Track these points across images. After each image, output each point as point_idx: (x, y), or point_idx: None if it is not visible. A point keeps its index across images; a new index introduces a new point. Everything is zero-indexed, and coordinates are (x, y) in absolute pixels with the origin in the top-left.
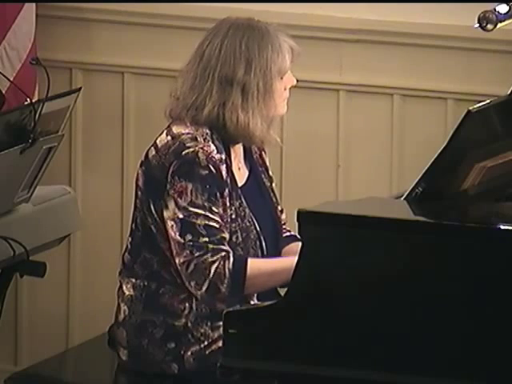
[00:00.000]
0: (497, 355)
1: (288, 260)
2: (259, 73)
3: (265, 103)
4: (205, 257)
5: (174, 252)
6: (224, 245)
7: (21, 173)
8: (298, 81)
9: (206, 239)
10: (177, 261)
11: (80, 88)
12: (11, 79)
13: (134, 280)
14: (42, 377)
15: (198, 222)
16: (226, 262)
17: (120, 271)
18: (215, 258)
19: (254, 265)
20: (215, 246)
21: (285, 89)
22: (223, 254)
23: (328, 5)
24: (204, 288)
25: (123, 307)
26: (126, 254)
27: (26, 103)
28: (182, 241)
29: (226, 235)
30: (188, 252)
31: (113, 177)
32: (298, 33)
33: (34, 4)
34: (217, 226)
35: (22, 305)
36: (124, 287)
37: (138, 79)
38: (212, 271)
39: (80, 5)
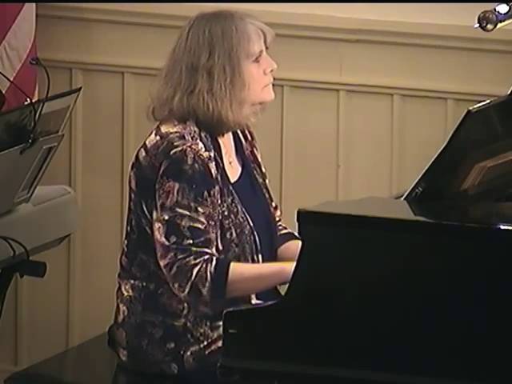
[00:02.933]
0: (497, 355)
1: (275, 264)
2: (223, 56)
3: (233, 86)
4: (187, 259)
5: (159, 254)
6: (208, 247)
7: (21, 173)
8: (297, 81)
9: (190, 241)
10: (161, 263)
11: (80, 88)
12: (11, 79)
13: (132, 281)
14: (42, 377)
15: (183, 223)
16: (209, 265)
17: (118, 274)
18: (197, 260)
19: (237, 269)
20: (199, 249)
21: (265, 73)
22: (206, 257)
23: (328, 5)
24: (187, 290)
25: (122, 308)
26: (123, 257)
27: (26, 103)
28: (167, 243)
29: (212, 236)
30: (172, 254)
31: (113, 177)
32: (298, 33)
33: (33, 4)
34: (202, 227)
35: (22, 305)
36: (123, 288)
37: (138, 79)
38: (194, 274)
39: (80, 5)
